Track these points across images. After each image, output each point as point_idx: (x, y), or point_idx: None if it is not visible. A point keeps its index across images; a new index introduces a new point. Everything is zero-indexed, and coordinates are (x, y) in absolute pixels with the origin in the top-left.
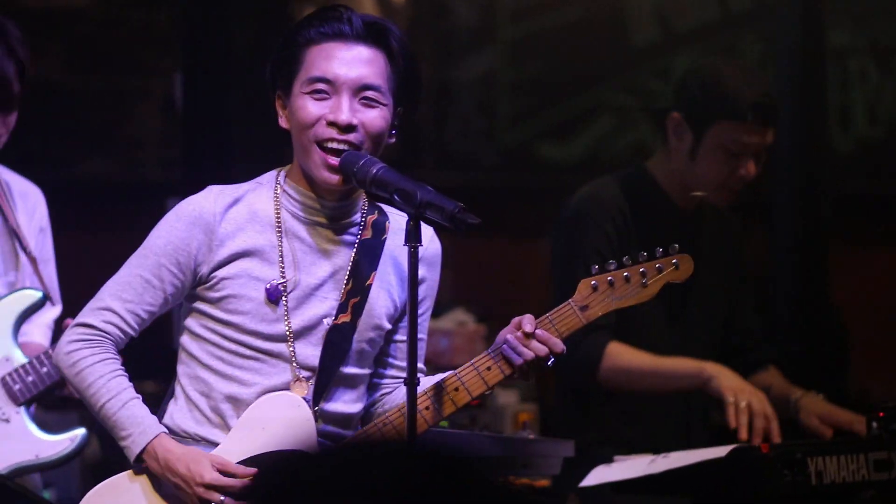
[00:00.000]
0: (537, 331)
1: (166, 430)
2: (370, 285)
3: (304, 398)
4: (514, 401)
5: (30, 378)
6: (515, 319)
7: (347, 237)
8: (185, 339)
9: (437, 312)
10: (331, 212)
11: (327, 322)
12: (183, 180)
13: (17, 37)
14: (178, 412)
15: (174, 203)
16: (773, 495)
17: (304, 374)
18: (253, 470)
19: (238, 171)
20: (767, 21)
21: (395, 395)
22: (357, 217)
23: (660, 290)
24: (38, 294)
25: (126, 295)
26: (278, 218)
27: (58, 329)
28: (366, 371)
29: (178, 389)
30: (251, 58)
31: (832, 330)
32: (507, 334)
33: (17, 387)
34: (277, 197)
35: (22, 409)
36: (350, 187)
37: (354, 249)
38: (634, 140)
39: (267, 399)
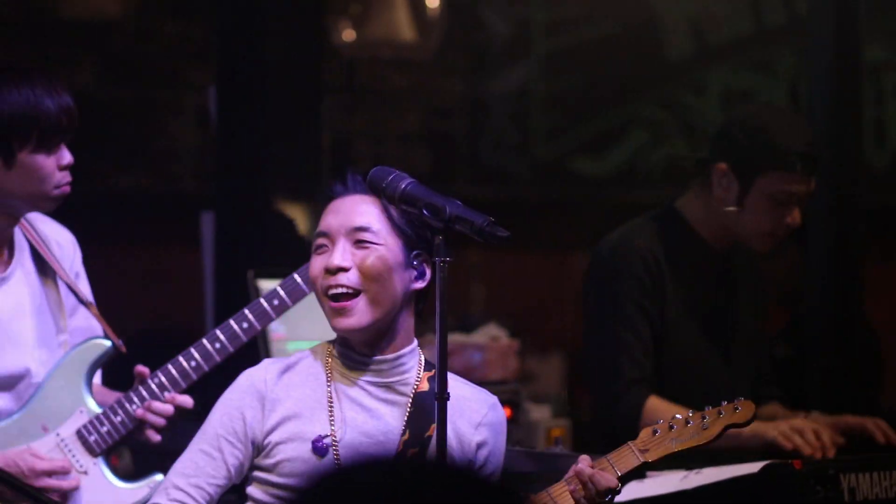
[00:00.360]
0: (595, 476)
1: None
2: (430, 437)
3: None
4: (547, 416)
5: (104, 428)
6: (572, 470)
7: (399, 397)
8: None
9: (469, 327)
10: (378, 367)
11: None
12: (217, 193)
13: (48, 77)
14: None
15: (207, 217)
16: None
17: None
18: None
19: (272, 183)
20: (802, 35)
21: None
22: (411, 376)
23: (721, 431)
24: (108, 343)
25: (188, 470)
26: (329, 378)
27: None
28: None
29: None
30: (285, 71)
31: (866, 346)
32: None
33: (92, 438)
34: (328, 360)
35: (100, 459)
36: (390, 341)
37: (410, 402)
38: (668, 154)
39: None
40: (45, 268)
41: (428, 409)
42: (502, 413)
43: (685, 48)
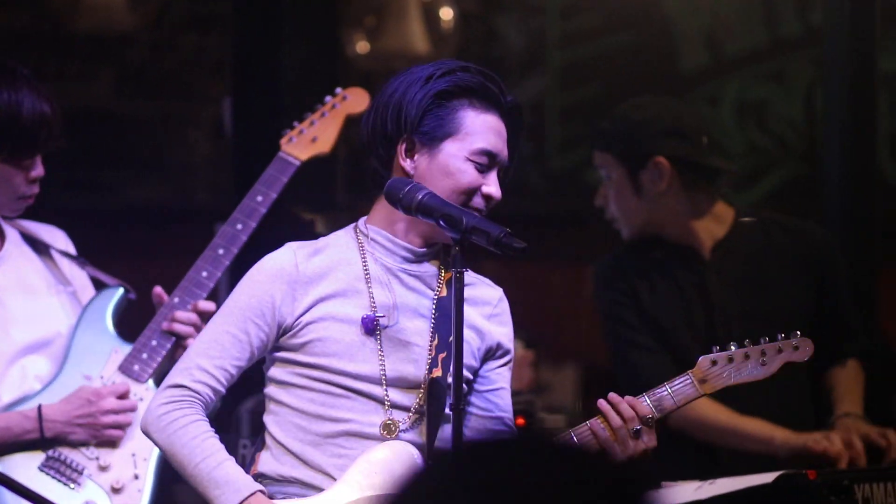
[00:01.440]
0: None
1: (262, 489)
2: (451, 342)
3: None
4: (562, 426)
5: (143, 355)
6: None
7: (428, 288)
8: (272, 390)
9: None
10: (418, 258)
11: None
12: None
13: (36, 81)
14: (272, 460)
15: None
16: None
17: (396, 416)
18: None
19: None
20: (817, 46)
21: None
22: (435, 269)
23: (779, 368)
24: (119, 289)
25: (213, 352)
26: (365, 265)
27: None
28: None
29: (268, 439)
30: (300, 83)
31: (882, 358)
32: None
33: (136, 368)
34: (362, 244)
35: (150, 384)
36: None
37: (434, 305)
38: None
39: (381, 447)
40: (37, 245)
41: (447, 314)
42: (507, 303)
43: (699, 59)
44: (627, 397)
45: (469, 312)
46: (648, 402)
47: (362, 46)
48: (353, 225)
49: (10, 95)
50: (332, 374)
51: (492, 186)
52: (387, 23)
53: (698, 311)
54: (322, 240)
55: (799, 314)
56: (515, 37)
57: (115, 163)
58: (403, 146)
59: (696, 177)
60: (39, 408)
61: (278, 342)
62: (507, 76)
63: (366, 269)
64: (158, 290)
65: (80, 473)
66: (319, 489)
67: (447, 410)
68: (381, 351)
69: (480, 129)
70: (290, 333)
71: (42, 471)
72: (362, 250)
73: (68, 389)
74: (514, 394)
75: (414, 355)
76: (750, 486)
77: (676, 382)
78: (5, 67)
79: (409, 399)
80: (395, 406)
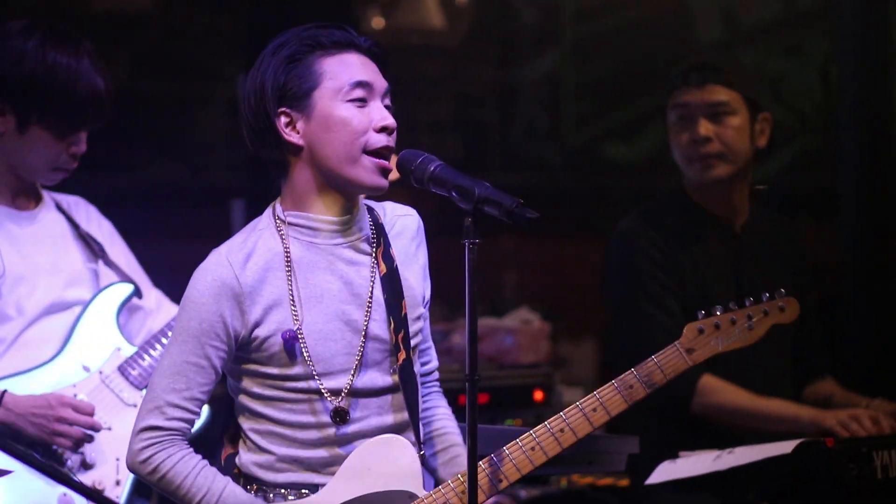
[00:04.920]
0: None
1: None
2: (405, 315)
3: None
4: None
5: (145, 363)
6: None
7: (362, 255)
8: (246, 401)
9: (502, 311)
10: (342, 228)
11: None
12: (249, 184)
13: (91, 51)
14: (261, 470)
15: (238, 205)
16: (838, 490)
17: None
18: None
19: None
20: (832, 18)
21: (436, 412)
22: (365, 229)
23: (766, 332)
24: (130, 286)
25: (179, 385)
26: (287, 256)
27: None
28: (418, 371)
29: (250, 442)
30: None
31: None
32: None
33: (135, 373)
34: (282, 232)
35: (145, 392)
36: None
37: (378, 287)
38: None
39: (373, 442)
40: (70, 219)
41: (394, 289)
42: (416, 217)
43: (715, 32)
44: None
45: (404, 252)
46: (638, 377)
47: (377, 22)
48: (269, 212)
49: (71, 65)
50: (303, 380)
51: (383, 117)
52: None
53: (727, 283)
54: (249, 239)
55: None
56: (530, 12)
57: (130, 143)
58: (281, 121)
59: (765, 150)
60: (3, 393)
61: (243, 355)
62: (521, 52)
63: (288, 263)
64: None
65: (63, 465)
66: (315, 486)
67: (421, 391)
68: (305, 347)
69: (340, 67)
70: (252, 346)
71: (30, 450)
72: (285, 240)
73: (65, 375)
74: (533, 366)
75: (343, 338)
76: (769, 454)
77: (663, 354)
78: (71, 37)
79: (347, 380)
80: (333, 392)
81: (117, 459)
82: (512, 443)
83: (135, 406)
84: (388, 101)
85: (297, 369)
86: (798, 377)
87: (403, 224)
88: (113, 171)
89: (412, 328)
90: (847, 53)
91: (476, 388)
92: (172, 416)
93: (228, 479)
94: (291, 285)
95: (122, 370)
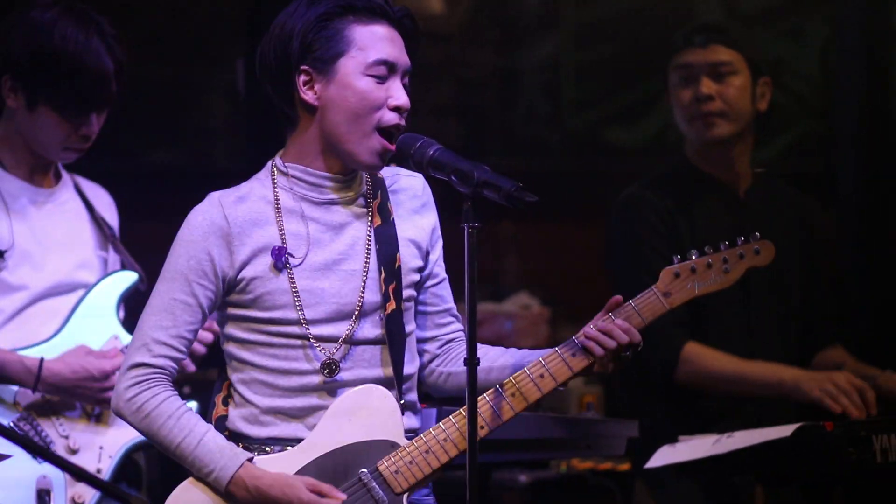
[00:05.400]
0: (617, 320)
1: (250, 456)
2: (399, 267)
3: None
4: (579, 383)
5: None
6: (609, 303)
7: (357, 209)
8: (232, 348)
9: (501, 296)
10: (340, 186)
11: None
12: (250, 168)
13: (113, 34)
14: (246, 423)
15: None
16: (838, 473)
17: (329, 348)
18: (343, 495)
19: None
20: (832, 3)
21: (458, 347)
22: (363, 188)
23: (742, 275)
24: (134, 275)
25: (166, 322)
26: (277, 201)
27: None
28: (412, 329)
29: (237, 398)
30: None
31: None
32: (589, 324)
33: None
34: (275, 182)
35: None
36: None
37: (371, 236)
38: None
39: (353, 392)
40: (87, 202)
41: (389, 242)
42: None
43: (715, 17)
44: (600, 326)
45: (404, 208)
46: (616, 322)
47: None
48: (269, 163)
49: (79, 45)
50: (287, 325)
51: (399, 97)
52: None
53: None
54: (244, 185)
55: (809, 280)
56: None
57: (131, 127)
58: (301, 78)
59: (768, 118)
60: (41, 362)
61: (227, 298)
62: (521, 35)
63: (277, 207)
64: None
65: (47, 447)
66: (299, 440)
67: (411, 341)
68: (294, 283)
69: (370, 40)
70: (238, 288)
71: (13, 429)
72: (276, 188)
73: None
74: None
75: (340, 285)
76: (768, 438)
77: (640, 298)
78: (86, 17)
79: (337, 329)
80: (321, 339)
81: (101, 448)
82: (519, 371)
83: None
84: (406, 81)
85: (283, 313)
86: (807, 346)
87: (408, 182)
88: (113, 156)
89: (405, 280)
90: (846, 38)
91: (476, 372)
92: (159, 353)
93: (210, 425)
94: (283, 231)
95: None
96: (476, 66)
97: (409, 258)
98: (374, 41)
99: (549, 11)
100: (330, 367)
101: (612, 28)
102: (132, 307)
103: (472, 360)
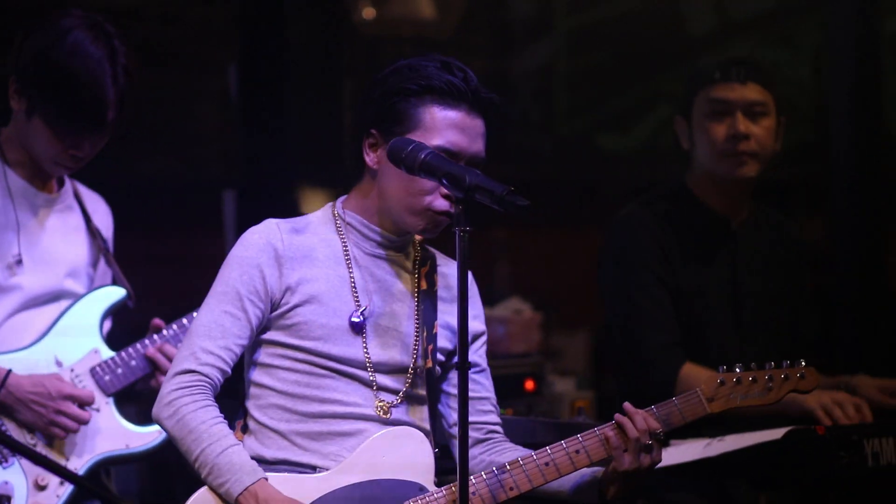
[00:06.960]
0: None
1: (266, 477)
2: (436, 333)
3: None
4: (571, 388)
5: (119, 370)
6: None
7: (405, 272)
8: (254, 373)
9: (493, 300)
10: (391, 244)
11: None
12: (241, 176)
13: (124, 64)
14: (257, 444)
15: (230, 195)
16: (829, 477)
17: (384, 397)
18: None
19: (296, 164)
20: (824, 9)
21: (502, 441)
22: (415, 252)
23: (783, 397)
24: (122, 291)
25: (216, 333)
26: (346, 247)
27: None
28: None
29: (251, 424)
30: (306, 50)
31: (890, 316)
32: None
33: (106, 378)
34: (339, 227)
35: (111, 400)
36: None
37: (416, 294)
38: None
39: (391, 432)
40: (84, 211)
41: (430, 307)
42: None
43: (707, 23)
44: (640, 411)
45: (449, 292)
46: (657, 414)
47: (368, 12)
48: (329, 206)
49: (84, 61)
50: (316, 356)
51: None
52: None
53: (723, 284)
54: (301, 219)
55: (797, 302)
56: (523, 2)
57: (123, 135)
58: (368, 140)
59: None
60: (8, 373)
61: (270, 321)
62: (514, 42)
63: (346, 253)
64: (157, 321)
65: (14, 454)
66: (309, 467)
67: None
68: (365, 336)
69: (440, 125)
70: (279, 312)
71: None
72: (341, 233)
73: (36, 365)
74: (523, 355)
75: (397, 340)
76: (759, 441)
77: (685, 398)
78: (102, 37)
79: (395, 382)
80: (382, 388)
81: (66, 464)
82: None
83: (98, 411)
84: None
85: (342, 351)
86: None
87: (454, 270)
88: (106, 164)
89: (439, 346)
90: (839, 45)
91: (467, 377)
92: (206, 361)
93: (240, 442)
94: (352, 273)
95: (93, 372)
96: None
97: (442, 336)
98: (444, 127)
99: (541, 18)
100: (383, 409)
101: (604, 35)
102: (120, 322)
103: (463, 365)
